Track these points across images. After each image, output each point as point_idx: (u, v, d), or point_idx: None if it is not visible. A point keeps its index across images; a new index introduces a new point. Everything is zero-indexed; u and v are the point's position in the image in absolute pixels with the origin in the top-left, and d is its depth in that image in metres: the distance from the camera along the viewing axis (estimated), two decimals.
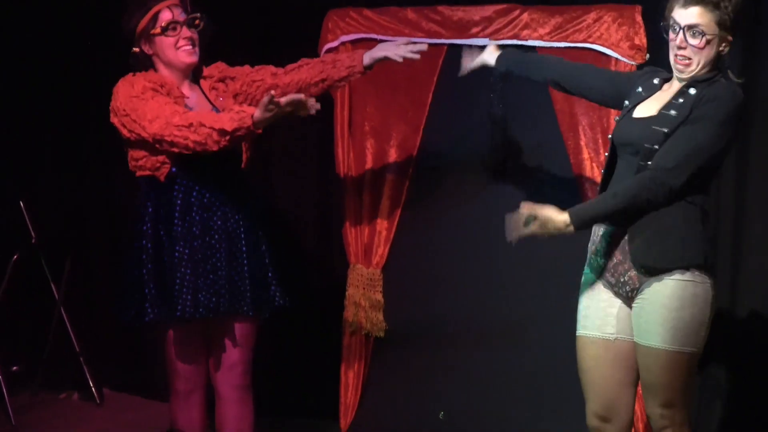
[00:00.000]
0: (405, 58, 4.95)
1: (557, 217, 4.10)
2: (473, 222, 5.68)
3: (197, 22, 4.73)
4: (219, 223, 4.67)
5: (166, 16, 4.68)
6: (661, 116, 4.21)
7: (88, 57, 6.01)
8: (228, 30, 5.60)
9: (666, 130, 4.15)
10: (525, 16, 5.61)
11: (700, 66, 4.19)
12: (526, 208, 4.11)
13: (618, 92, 4.45)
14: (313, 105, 4.42)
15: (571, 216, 4.10)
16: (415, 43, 5.02)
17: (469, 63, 4.89)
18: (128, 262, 4.70)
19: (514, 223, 4.11)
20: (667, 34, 4.25)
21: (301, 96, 4.39)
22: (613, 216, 4.19)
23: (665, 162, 4.12)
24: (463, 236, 5.73)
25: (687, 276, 4.15)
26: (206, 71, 4.86)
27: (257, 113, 4.37)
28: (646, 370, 4.23)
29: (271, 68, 4.94)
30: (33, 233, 6.03)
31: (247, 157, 4.77)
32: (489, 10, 5.66)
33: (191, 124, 4.44)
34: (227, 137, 4.42)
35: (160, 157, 4.61)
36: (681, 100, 4.18)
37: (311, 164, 5.98)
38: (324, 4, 5.81)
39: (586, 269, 4.38)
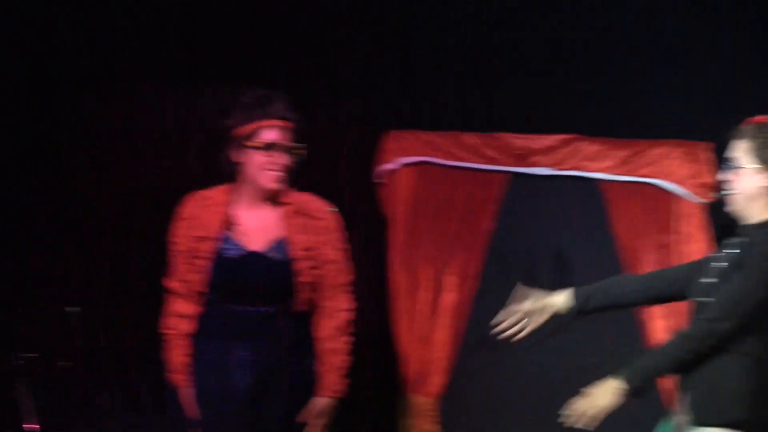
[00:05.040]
0: None
1: (606, 385, 3.86)
2: (534, 355, 5.47)
3: (299, 152, 4.35)
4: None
5: (270, 134, 4.29)
6: (712, 269, 4.01)
7: None
8: None
9: (716, 281, 3.95)
10: (589, 148, 5.49)
11: (739, 201, 3.98)
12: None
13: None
14: None
15: (623, 377, 3.88)
16: None
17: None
18: None
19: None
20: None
21: None
22: (665, 374, 3.98)
23: (709, 312, 3.91)
24: (524, 366, 5.55)
25: None
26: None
27: None
28: None
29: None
30: None
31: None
32: (552, 139, 5.56)
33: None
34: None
35: None
36: (732, 251, 3.98)
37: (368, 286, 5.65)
38: (381, 126, 5.66)
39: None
